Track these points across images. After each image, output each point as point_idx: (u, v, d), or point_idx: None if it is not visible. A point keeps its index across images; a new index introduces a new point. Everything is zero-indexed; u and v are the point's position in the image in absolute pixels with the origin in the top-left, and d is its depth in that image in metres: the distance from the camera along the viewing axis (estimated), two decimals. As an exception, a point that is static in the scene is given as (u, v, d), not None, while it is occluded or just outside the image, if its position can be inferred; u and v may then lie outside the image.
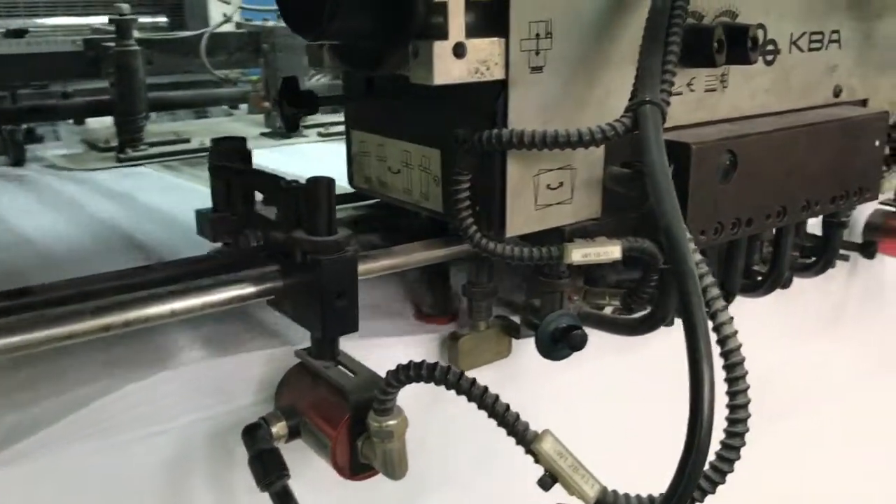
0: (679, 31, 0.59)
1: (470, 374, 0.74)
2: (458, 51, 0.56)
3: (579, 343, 0.68)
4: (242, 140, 0.73)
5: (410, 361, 0.53)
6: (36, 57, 1.49)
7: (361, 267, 0.60)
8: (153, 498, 0.61)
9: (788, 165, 0.72)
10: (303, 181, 0.57)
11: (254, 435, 0.58)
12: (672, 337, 0.80)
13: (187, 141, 1.60)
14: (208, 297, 0.58)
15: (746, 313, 0.81)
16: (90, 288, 0.60)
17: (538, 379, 0.79)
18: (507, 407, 0.51)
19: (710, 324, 0.51)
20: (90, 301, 0.60)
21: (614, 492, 0.51)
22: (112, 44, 1.47)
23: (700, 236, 0.67)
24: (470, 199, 0.63)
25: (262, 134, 1.69)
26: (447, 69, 0.56)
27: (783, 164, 0.72)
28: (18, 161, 1.49)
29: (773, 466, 1.00)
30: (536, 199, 0.63)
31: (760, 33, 0.72)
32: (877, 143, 0.80)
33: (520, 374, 0.78)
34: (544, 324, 0.70)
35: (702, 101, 0.71)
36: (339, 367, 0.60)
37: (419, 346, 0.75)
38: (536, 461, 0.50)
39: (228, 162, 0.76)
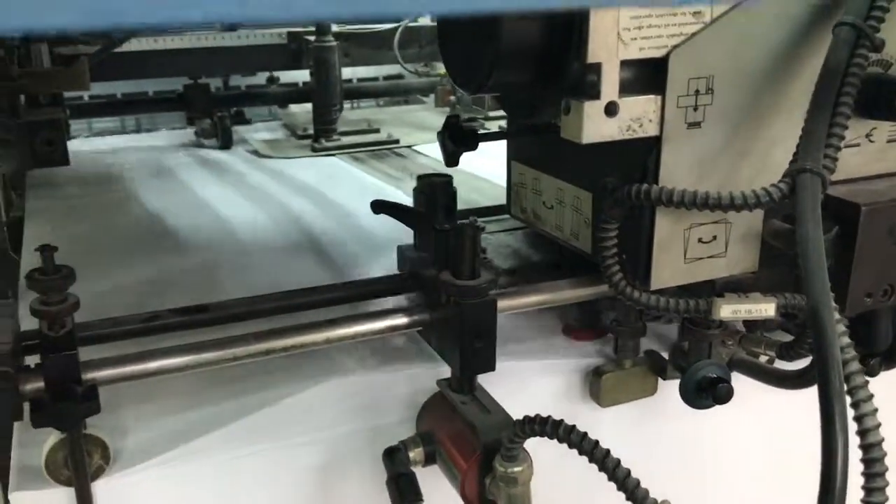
0: (853, 91, 0.56)
1: (613, 409, 0.76)
2: (611, 109, 0.56)
3: (724, 396, 0.67)
4: (446, 178, 0.71)
5: (537, 415, 0.55)
6: (245, 49, 1.61)
7: (501, 304, 0.62)
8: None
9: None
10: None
11: (393, 458, 0.62)
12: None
13: (377, 131, 1.67)
14: (360, 327, 0.62)
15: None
16: (259, 307, 0.66)
17: (683, 420, 0.78)
18: (629, 473, 0.52)
19: (852, 412, 0.49)
20: (259, 318, 0.67)
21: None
22: (312, 38, 1.57)
23: (866, 299, 0.64)
24: (617, 247, 0.63)
25: (447, 126, 1.73)
26: (597, 128, 0.56)
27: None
28: (226, 145, 1.63)
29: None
30: (686, 252, 0.62)
31: (958, 81, 0.66)
32: None
33: (663, 413, 0.78)
34: (690, 371, 0.69)
35: (884, 153, 0.67)
36: (476, 401, 0.63)
37: (562, 375, 0.76)
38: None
39: (429, 197, 0.76)
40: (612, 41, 0.55)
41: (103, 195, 1.27)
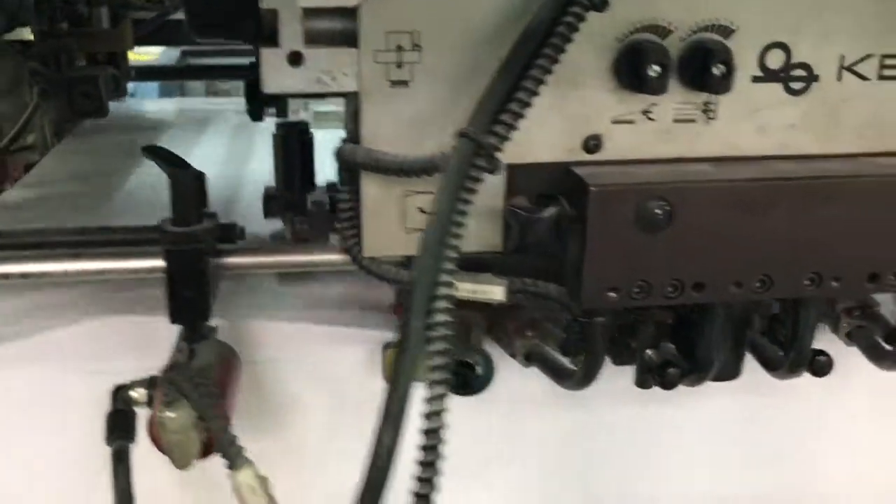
0: (554, 53, 0.50)
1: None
2: (294, 59, 0.54)
3: (460, 386, 0.63)
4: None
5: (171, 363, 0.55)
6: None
7: (226, 261, 0.62)
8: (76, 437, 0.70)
9: (780, 225, 0.57)
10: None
11: (116, 395, 0.64)
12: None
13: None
14: (101, 265, 0.64)
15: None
16: (50, 239, 0.70)
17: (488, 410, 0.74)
18: (225, 428, 0.50)
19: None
20: (49, 249, 0.71)
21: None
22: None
23: (609, 294, 0.57)
24: (353, 211, 0.61)
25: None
26: (281, 78, 0.54)
27: (770, 222, 0.57)
28: (280, 114, 1.70)
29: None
30: (405, 221, 0.59)
31: (753, 56, 0.57)
32: (970, 213, 0.58)
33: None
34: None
35: (670, 134, 0.59)
36: (192, 350, 0.63)
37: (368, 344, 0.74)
38: (237, 489, 0.49)
39: (288, 142, 0.83)
40: (288, -14, 0.53)
41: (120, 143, 1.39)
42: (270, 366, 0.72)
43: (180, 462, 0.57)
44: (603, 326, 0.60)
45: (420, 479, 0.44)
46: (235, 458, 0.50)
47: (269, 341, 0.72)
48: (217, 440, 0.50)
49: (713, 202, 0.56)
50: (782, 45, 0.58)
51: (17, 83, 1.57)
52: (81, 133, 1.47)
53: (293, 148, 0.83)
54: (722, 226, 0.56)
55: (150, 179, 1.14)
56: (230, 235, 0.70)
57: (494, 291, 0.58)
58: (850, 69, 0.59)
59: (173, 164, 0.65)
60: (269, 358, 0.72)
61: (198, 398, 0.52)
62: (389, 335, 0.74)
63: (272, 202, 0.81)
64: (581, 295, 0.57)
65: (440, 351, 0.45)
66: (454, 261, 0.48)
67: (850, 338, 0.73)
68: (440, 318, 0.46)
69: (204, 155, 1.30)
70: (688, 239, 0.56)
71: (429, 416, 0.44)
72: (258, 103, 0.70)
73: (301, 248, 0.67)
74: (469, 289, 0.58)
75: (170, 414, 0.56)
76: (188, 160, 1.25)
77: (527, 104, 0.50)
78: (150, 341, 0.71)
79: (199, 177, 0.60)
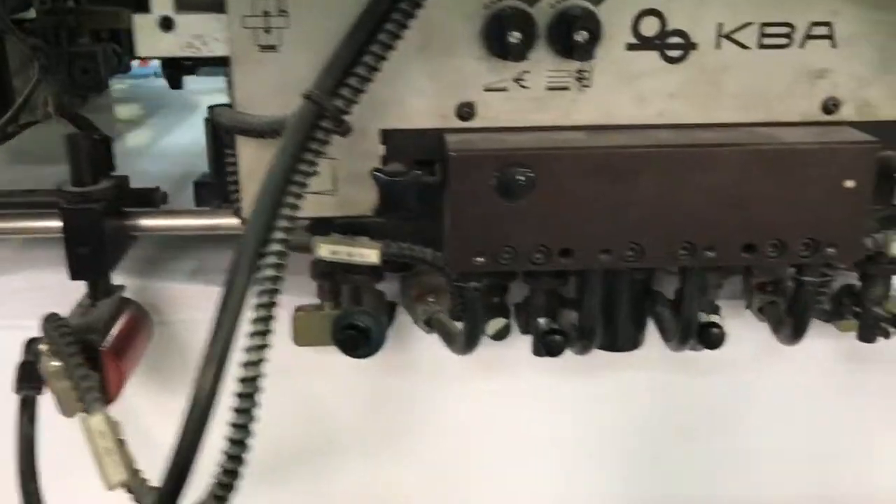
0: (402, 21, 0.51)
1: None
2: (166, 24, 0.56)
3: (344, 344, 0.64)
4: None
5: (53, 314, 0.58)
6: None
7: (131, 222, 0.65)
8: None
9: (650, 194, 0.57)
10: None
11: (28, 347, 0.67)
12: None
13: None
14: (10, 224, 0.68)
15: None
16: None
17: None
18: (84, 375, 0.53)
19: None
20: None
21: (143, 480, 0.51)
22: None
23: (476, 259, 0.57)
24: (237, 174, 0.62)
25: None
26: (153, 43, 0.57)
27: (640, 190, 0.57)
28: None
29: None
30: (283, 184, 0.60)
31: (626, 23, 0.57)
32: (849, 183, 0.58)
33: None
34: (339, 317, 0.67)
35: (543, 102, 0.59)
36: (93, 306, 0.66)
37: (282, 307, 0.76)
38: (89, 433, 0.52)
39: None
40: (154, -48, 0.55)
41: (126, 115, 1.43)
42: (185, 326, 0.74)
43: (66, 410, 0.59)
44: (477, 290, 0.61)
45: (235, 426, 0.46)
46: (89, 405, 0.53)
47: (185, 302, 0.74)
48: (76, 387, 0.53)
49: (578, 169, 0.56)
50: (656, 13, 0.58)
51: (28, 60, 1.64)
52: (91, 110, 1.52)
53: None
54: (588, 193, 0.57)
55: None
56: (151, 199, 0.73)
57: (369, 254, 0.59)
58: (728, 37, 0.59)
59: (83, 129, 0.68)
60: (184, 319, 0.74)
61: (63, 347, 0.55)
62: (305, 299, 0.76)
63: (203, 190, 0.75)
64: (450, 259, 0.58)
65: (262, 304, 0.47)
66: (289, 219, 0.49)
67: (762, 313, 0.72)
68: (267, 273, 0.47)
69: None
70: (552, 206, 0.57)
71: (246, 365, 0.46)
72: (174, 71, 0.73)
73: (208, 212, 0.69)
74: (346, 252, 0.60)
75: (53, 363, 0.59)
76: (181, 134, 1.29)
77: (374, 68, 0.51)
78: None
79: (98, 141, 0.63)
